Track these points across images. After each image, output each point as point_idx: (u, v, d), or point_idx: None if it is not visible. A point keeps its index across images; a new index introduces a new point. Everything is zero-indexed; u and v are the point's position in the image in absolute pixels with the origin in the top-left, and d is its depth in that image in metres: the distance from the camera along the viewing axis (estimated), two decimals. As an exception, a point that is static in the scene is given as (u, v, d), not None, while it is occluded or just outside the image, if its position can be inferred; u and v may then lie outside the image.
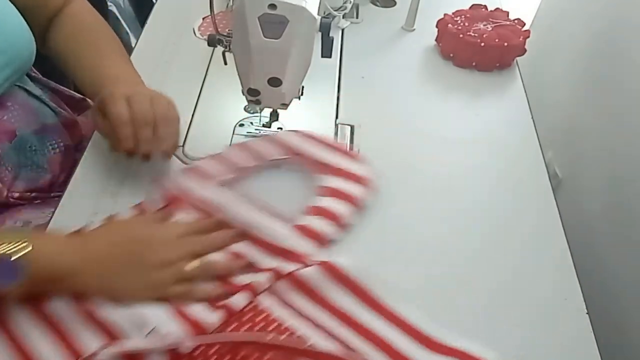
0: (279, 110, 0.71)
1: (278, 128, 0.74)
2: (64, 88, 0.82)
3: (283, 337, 0.52)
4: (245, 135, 0.73)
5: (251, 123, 0.75)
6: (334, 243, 0.61)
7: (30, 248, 0.48)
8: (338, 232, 0.61)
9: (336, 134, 0.76)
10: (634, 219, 0.87)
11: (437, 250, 0.63)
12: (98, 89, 0.64)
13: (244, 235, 0.59)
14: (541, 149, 0.77)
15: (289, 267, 0.56)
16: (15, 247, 0.48)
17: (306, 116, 0.77)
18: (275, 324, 0.53)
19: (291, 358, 0.51)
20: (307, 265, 0.56)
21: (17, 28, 0.65)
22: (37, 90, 0.72)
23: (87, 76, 0.68)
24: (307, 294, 0.56)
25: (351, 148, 0.74)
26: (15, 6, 0.65)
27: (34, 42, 0.67)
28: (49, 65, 0.75)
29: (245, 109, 0.77)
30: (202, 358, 0.50)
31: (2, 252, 0.48)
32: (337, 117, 0.78)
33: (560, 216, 0.67)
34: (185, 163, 0.69)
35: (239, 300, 0.54)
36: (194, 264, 0.55)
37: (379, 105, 0.81)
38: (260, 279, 0.56)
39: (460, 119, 0.80)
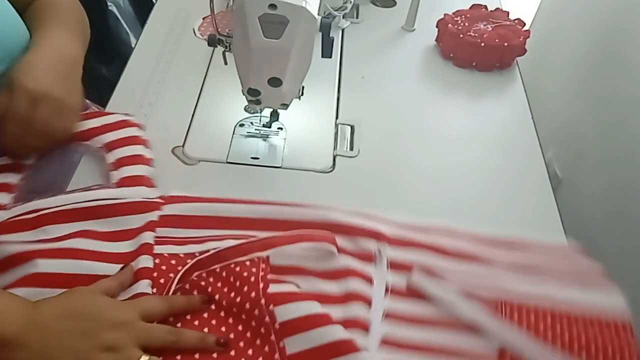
0: (279, 110, 0.71)
1: (278, 128, 0.74)
2: None
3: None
4: (246, 136, 0.73)
5: (251, 123, 0.75)
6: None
7: None
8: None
9: (336, 134, 0.76)
10: (634, 219, 0.87)
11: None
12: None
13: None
14: (541, 149, 0.77)
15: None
16: None
17: (306, 116, 0.77)
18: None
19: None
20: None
21: (9, 23, 0.64)
22: None
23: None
24: None
25: (351, 148, 0.74)
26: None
27: (29, 37, 0.67)
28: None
29: (245, 109, 0.77)
30: None
31: None
32: (337, 117, 0.78)
33: (560, 216, 0.67)
34: (186, 163, 0.69)
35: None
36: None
37: (379, 105, 0.81)
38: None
39: (460, 119, 0.80)
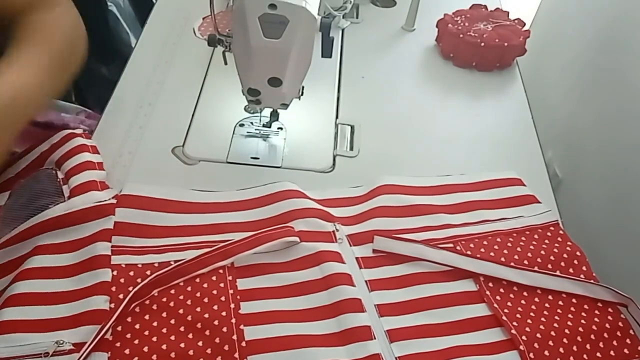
0: (279, 110, 0.71)
1: (278, 128, 0.74)
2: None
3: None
4: (246, 136, 0.73)
5: (251, 123, 0.75)
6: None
7: None
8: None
9: (336, 134, 0.76)
10: (634, 219, 0.87)
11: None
12: None
13: None
14: (541, 149, 0.77)
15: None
16: None
17: (306, 116, 0.77)
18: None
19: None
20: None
21: None
22: None
23: None
24: None
25: (351, 148, 0.74)
26: None
27: None
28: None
29: (245, 109, 0.77)
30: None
31: None
32: (337, 117, 0.78)
33: (560, 216, 0.67)
34: (186, 163, 0.69)
35: None
36: None
37: (379, 105, 0.81)
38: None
39: (460, 119, 0.80)
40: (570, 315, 0.56)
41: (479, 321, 0.54)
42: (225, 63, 0.66)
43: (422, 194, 0.66)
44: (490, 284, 0.57)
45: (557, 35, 1.24)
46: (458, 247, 0.60)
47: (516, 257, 0.60)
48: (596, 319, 0.56)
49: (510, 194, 0.67)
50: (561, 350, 0.52)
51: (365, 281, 0.56)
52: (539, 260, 0.60)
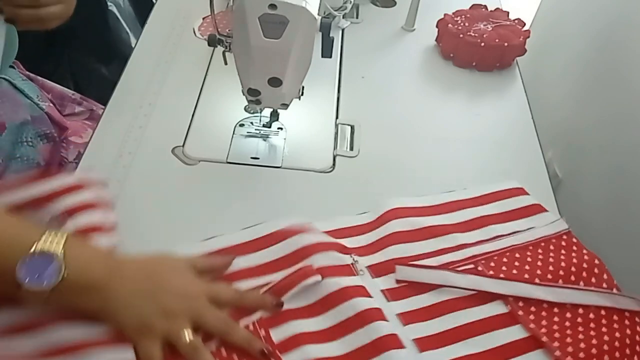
0: (279, 110, 0.71)
1: (278, 128, 0.74)
2: (58, 85, 0.82)
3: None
4: (246, 136, 0.73)
5: (251, 123, 0.75)
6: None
7: (64, 249, 0.45)
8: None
9: (336, 134, 0.76)
10: (634, 219, 0.87)
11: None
12: None
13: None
14: (541, 149, 0.77)
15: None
16: (55, 243, 0.45)
17: (306, 116, 0.77)
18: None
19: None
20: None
21: None
22: (21, 83, 0.71)
23: None
24: None
25: (351, 148, 0.74)
26: None
27: (16, 36, 0.66)
28: (50, 65, 0.75)
29: (245, 109, 0.77)
30: None
31: (45, 248, 0.45)
32: (337, 117, 0.78)
33: (560, 216, 0.67)
34: (186, 163, 0.69)
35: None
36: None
37: (379, 105, 0.81)
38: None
39: (460, 119, 0.80)
40: (604, 329, 0.54)
41: (519, 344, 0.53)
42: (225, 63, 0.66)
43: (431, 214, 0.64)
44: (521, 304, 0.56)
45: (557, 35, 1.24)
46: (480, 268, 0.59)
47: (539, 272, 0.59)
48: (628, 331, 0.55)
49: (516, 204, 0.66)
50: None
51: (397, 315, 0.55)
52: (561, 272, 0.59)
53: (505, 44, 0.86)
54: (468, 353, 0.52)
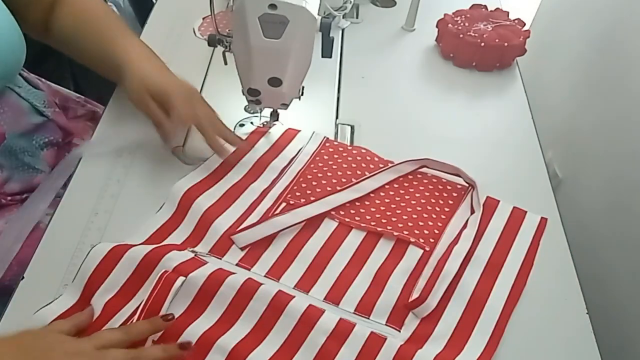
0: (279, 110, 0.71)
1: (278, 128, 0.74)
2: (62, 88, 0.82)
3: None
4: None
5: (251, 123, 0.75)
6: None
7: None
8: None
9: (336, 134, 0.76)
10: (634, 219, 0.87)
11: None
12: (115, 68, 0.67)
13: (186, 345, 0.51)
14: (541, 149, 0.77)
15: None
16: None
17: (306, 116, 0.77)
18: None
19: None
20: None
21: (4, 33, 0.63)
22: (27, 91, 0.72)
23: (99, 56, 0.69)
24: None
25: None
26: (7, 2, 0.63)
27: (24, 45, 0.66)
28: (50, 65, 0.75)
29: (245, 109, 0.77)
30: None
31: None
32: (337, 117, 0.78)
33: (560, 216, 0.67)
34: (186, 163, 0.69)
35: None
36: None
37: (379, 105, 0.81)
38: None
39: (460, 119, 0.80)
40: (407, 197, 0.66)
41: (364, 247, 0.61)
42: (225, 63, 0.66)
43: (214, 182, 0.67)
44: (342, 212, 0.63)
45: (557, 35, 1.24)
46: (292, 202, 0.64)
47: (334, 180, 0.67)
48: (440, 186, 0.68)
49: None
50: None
51: (265, 276, 0.58)
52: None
53: (505, 44, 0.86)
54: (340, 272, 0.58)
